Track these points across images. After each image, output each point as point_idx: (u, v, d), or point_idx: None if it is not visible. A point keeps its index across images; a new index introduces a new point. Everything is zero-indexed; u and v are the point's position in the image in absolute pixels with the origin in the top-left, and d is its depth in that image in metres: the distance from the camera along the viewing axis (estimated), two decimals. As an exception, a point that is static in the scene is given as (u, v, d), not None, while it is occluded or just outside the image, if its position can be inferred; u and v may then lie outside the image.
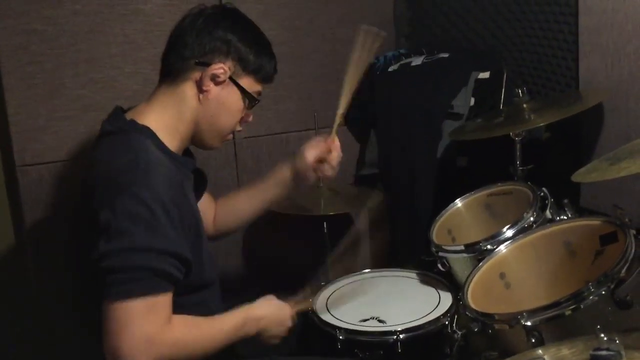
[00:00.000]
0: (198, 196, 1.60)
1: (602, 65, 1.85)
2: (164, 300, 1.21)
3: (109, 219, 1.18)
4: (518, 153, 1.88)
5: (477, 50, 2.30)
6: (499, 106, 2.11)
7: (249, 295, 1.48)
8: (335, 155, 1.64)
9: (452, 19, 2.39)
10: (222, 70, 1.36)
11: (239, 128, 1.48)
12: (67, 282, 1.84)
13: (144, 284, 1.17)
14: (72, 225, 1.41)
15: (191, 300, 1.35)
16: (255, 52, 1.41)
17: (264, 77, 1.45)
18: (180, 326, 1.25)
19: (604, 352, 0.83)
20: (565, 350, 0.98)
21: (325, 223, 2.10)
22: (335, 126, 1.65)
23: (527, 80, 2.15)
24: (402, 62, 2.36)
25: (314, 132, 2.15)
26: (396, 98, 2.28)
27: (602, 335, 0.85)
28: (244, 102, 1.42)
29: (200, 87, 1.36)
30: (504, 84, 2.14)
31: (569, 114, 1.73)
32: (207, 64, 1.35)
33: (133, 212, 1.17)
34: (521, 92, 1.88)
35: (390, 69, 2.36)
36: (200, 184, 1.62)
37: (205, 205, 1.67)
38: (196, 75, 1.36)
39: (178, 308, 1.26)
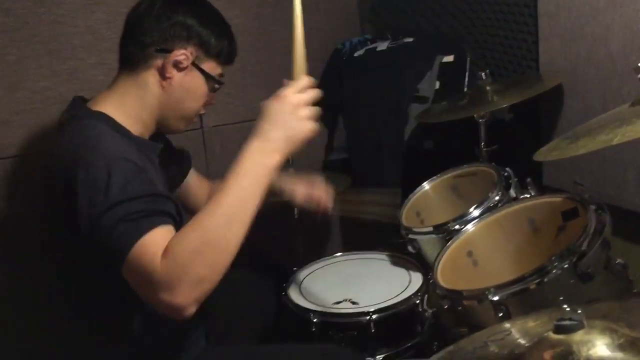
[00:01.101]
0: (181, 177, 1.60)
1: (561, 48, 1.90)
2: (161, 232, 1.10)
3: (72, 198, 1.13)
4: (482, 135, 1.92)
5: (441, 34, 2.33)
6: (463, 89, 2.14)
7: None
8: (326, 203, 1.71)
9: (414, 4, 2.41)
10: (184, 57, 1.33)
11: (202, 111, 1.46)
12: (36, 277, 1.83)
13: (126, 236, 1.08)
14: (38, 219, 1.38)
15: None
16: (216, 35, 1.38)
17: (226, 60, 1.43)
18: (182, 235, 1.09)
19: (567, 322, 0.87)
20: (531, 323, 1.01)
21: (296, 209, 2.11)
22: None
23: (490, 63, 2.19)
24: (367, 48, 2.38)
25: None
26: (363, 83, 2.31)
27: (565, 306, 0.89)
28: (208, 85, 1.41)
29: (162, 75, 1.34)
30: (467, 67, 2.18)
31: (530, 95, 1.77)
32: (169, 51, 1.33)
33: (92, 183, 1.12)
34: (484, 74, 1.92)
35: (355, 54, 2.38)
36: (183, 165, 1.62)
37: (195, 185, 1.69)
38: (157, 62, 1.33)
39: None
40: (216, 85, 1.42)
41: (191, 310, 1.06)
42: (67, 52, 1.97)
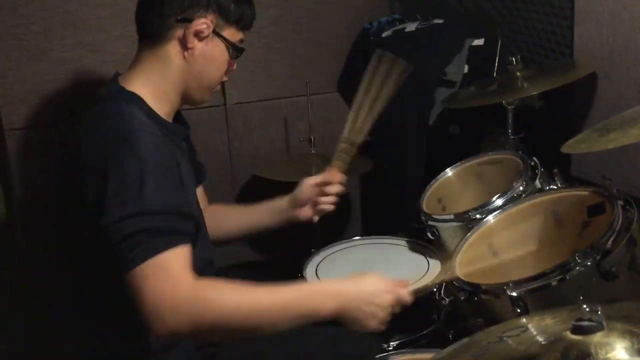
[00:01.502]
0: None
1: (597, 34, 1.83)
2: (177, 255, 1.13)
3: (100, 192, 1.15)
4: (510, 121, 1.87)
5: (472, 16, 2.26)
6: (492, 74, 2.09)
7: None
8: (334, 188, 1.64)
9: (447, -17, 2.35)
10: (205, 26, 1.32)
11: (225, 78, 1.45)
12: (57, 245, 1.85)
13: (142, 248, 1.11)
14: (60, 189, 1.39)
15: None
16: (234, 0, 1.37)
17: (245, 25, 1.42)
18: (214, 286, 1.15)
19: (585, 323, 0.84)
20: (548, 320, 0.99)
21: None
22: (336, 155, 1.62)
23: (522, 47, 2.13)
24: (395, 28, 2.33)
25: (305, 99, 2.13)
26: (389, 64, 2.26)
27: (585, 306, 0.86)
28: (229, 52, 1.39)
29: (184, 45, 1.32)
30: (498, 51, 2.12)
31: (562, 83, 1.72)
32: (189, 20, 1.31)
33: (122, 184, 1.15)
34: (515, 60, 1.86)
35: (383, 35, 2.33)
36: (200, 176, 1.61)
37: (200, 198, 1.66)
38: (178, 33, 1.32)
39: None
40: (238, 52, 1.41)
41: (167, 336, 1.10)
42: (91, 23, 1.96)
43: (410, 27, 2.29)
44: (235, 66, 1.46)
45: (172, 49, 1.33)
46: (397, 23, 2.38)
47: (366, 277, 1.25)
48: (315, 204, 1.66)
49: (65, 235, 1.47)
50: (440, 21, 2.27)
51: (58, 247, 1.68)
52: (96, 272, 1.29)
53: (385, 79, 1.57)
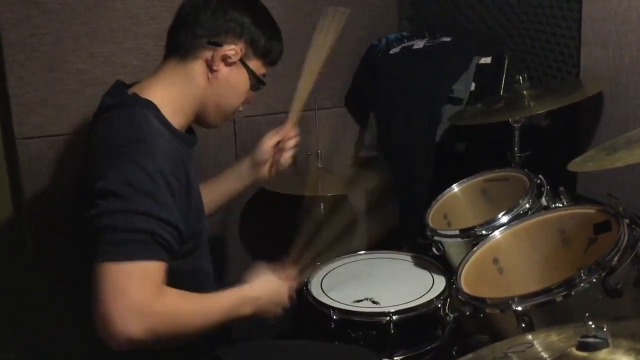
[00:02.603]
0: None
1: (604, 54, 1.84)
2: (160, 267, 1.16)
3: (109, 185, 1.16)
4: (516, 139, 1.88)
5: (480, 35, 2.28)
6: (499, 92, 2.10)
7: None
8: (291, 142, 1.67)
9: (455, 2, 2.37)
10: (233, 52, 1.36)
11: (240, 109, 1.48)
12: (66, 255, 1.86)
13: (143, 248, 1.14)
14: (70, 199, 1.40)
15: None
16: (267, 36, 1.41)
17: (271, 61, 1.46)
18: (173, 296, 1.20)
19: (591, 340, 0.84)
20: (554, 336, 0.99)
21: (322, 204, 2.11)
22: (291, 113, 1.67)
23: (529, 66, 2.14)
24: (403, 45, 2.35)
25: (313, 113, 2.15)
26: (397, 81, 2.28)
27: (591, 322, 0.87)
28: (250, 83, 1.43)
29: (210, 67, 1.36)
30: (505, 69, 2.13)
31: (569, 102, 1.72)
32: (220, 44, 1.35)
33: (135, 181, 1.16)
34: (522, 78, 1.88)
35: (391, 52, 2.36)
36: None
37: None
38: (207, 54, 1.35)
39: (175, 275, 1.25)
40: (259, 85, 1.45)
41: (119, 341, 1.11)
42: (104, 35, 1.99)
43: (418, 44, 2.31)
44: (253, 100, 1.49)
45: (198, 68, 1.36)
46: (405, 40, 2.40)
47: (266, 278, 1.41)
48: (274, 162, 1.69)
49: (74, 243, 1.48)
50: (448, 39, 2.29)
51: (66, 255, 1.68)
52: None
53: (333, 33, 1.64)
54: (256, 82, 1.43)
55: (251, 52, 1.40)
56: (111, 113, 1.31)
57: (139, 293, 1.12)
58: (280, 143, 1.67)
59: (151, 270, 1.15)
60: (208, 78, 1.37)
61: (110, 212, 1.14)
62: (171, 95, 1.35)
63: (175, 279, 1.21)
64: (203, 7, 1.36)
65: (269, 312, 1.40)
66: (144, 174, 1.17)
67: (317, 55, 1.64)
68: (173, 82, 1.36)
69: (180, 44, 1.36)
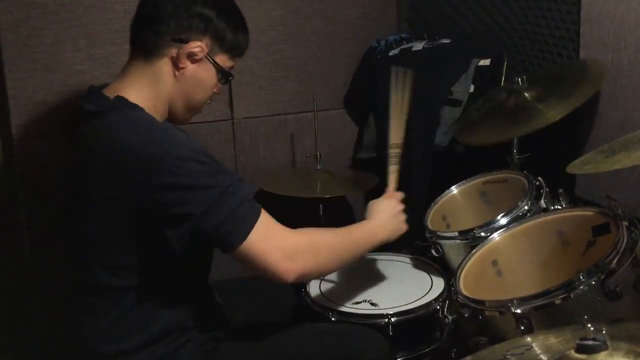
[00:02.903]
0: None
1: (603, 56, 1.85)
2: (265, 214, 1.27)
3: (170, 193, 1.19)
4: (515, 141, 1.88)
5: (479, 37, 2.29)
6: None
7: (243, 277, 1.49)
8: None
9: (454, 4, 2.37)
10: (199, 49, 1.33)
11: (209, 102, 1.46)
12: (63, 255, 1.86)
13: (249, 216, 1.23)
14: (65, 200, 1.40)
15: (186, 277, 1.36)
16: (232, 29, 1.38)
17: (238, 54, 1.43)
18: (304, 230, 1.34)
19: (590, 342, 0.84)
20: (553, 339, 0.99)
21: (321, 205, 2.11)
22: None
23: (528, 68, 2.15)
24: (402, 47, 2.35)
25: (312, 115, 2.15)
26: (396, 83, 2.28)
27: (589, 325, 0.87)
28: (218, 77, 1.41)
29: (176, 64, 1.33)
30: (504, 71, 2.14)
31: (577, 104, 1.72)
32: (185, 42, 1.32)
33: (184, 171, 1.19)
34: (521, 80, 1.88)
35: (390, 54, 2.35)
36: None
37: None
38: (172, 51, 1.32)
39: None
40: (227, 78, 1.43)
41: (298, 278, 1.28)
42: (103, 36, 1.99)
43: (418, 46, 2.31)
44: (219, 91, 1.47)
45: (164, 66, 1.33)
46: (405, 42, 2.41)
47: (382, 207, 1.56)
48: None
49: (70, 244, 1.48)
50: (447, 41, 2.29)
51: (65, 256, 1.68)
52: (99, 279, 1.29)
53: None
54: (223, 76, 1.41)
55: (217, 47, 1.37)
56: (102, 120, 1.27)
57: (278, 241, 1.27)
58: None
59: (266, 220, 1.27)
60: (175, 75, 1.34)
61: (204, 212, 1.19)
62: (144, 95, 1.33)
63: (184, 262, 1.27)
64: (165, 3, 1.32)
65: (397, 232, 1.55)
66: (191, 161, 1.20)
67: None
68: (142, 82, 1.34)
69: (144, 42, 1.34)
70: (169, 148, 1.20)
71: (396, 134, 1.72)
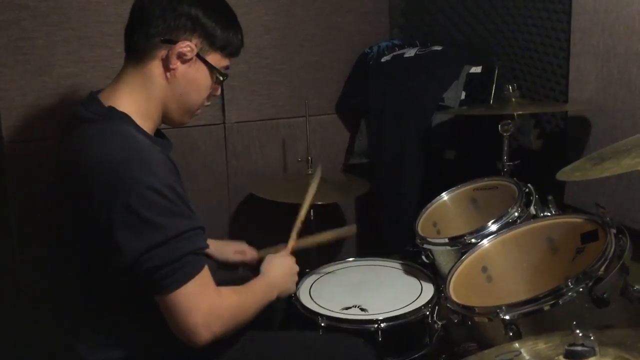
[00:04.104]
0: None
1: (592, 65, 1.86)
2: (207, 270, 1.25)
3: (128, 217, 1.16)
4: (506, 148, 1.90)
5: (470, 44, 2.30)
6: (489, 101, 2.12)
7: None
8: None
9: (446, 12, 2.39)
10: (188, 49, 1.31)
11: (207, 103, 1.45)
12: (55, 259, 1.84)
13: (190, 267, 1.20)
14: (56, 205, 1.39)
15: None
16: (221, 27, 1.35)
17: (231, 52, 1.41)
18: (229, 292, 1.32)
19: (578, 348, 0.85)
20: (541, 345, 0.99)
21: (312, 211, 2.11)
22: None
23: (518, 76, 2.16)
24: (395, 54, 2.37)
25: (304, 120, 2.15)
26: (388, 89, 2.29)
27: (578, 331, 0.87)
28: (212, 78, 1.39)
29: (166, 66, 1.31)
30: (495, 79, 2.15)
31: (557, 112, 1.74)
32: (173, 42, 1.30)
33: (150, 203, 1.16)
34: (512, 87, 1.89)
35: (382, 60, 2.37)
36: None
37: None
38: (162, 53, 1.31)
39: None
40: (221, 78, 1.41)
41: (209, 342, 1.24)
42: (95, 39, 1.99)
43: (410, 52, 2.33)
44: (218, 92, 1.46)
45: (155, 68, 1.32)
46: (397, 48, 2.42)
47: (277, 262, 1.56)
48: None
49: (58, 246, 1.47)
50: (439, 48, 2.30)
51: (55, 259, 1.67)
52: (86, 283, 1.29)
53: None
54: (217, 75, 1.39)
55: (207, 46, 1.35)
56: (91, 127, 1.27)
57: (208, 301, 1.23)
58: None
59: (206, 277, 1.24)
60: (166, 77, 1.33)
61: (146, 253, 1.16)
62: (136, 100, 1.32)
63: None
64: (151, 5, 1.31)
65: (289, 292, 1.55)
66: (154, 193, 1.16)
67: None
68: (134, 87, 1.33)
69: (135, 46, 1.33)
70: (142, 173, 1.17)
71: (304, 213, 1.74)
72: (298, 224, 1.69)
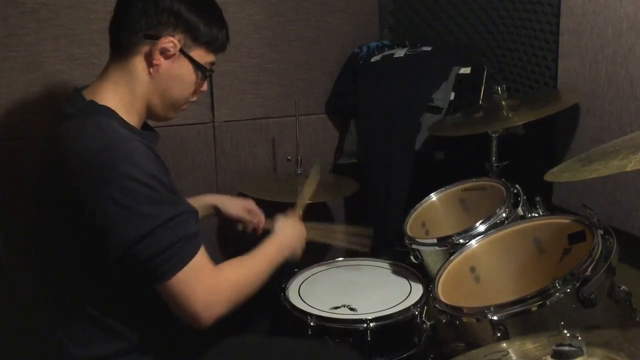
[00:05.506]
0: None
1: (581, 67, 1.88)
2: (204, 251, 1.25)
3: (111, 208, 1.15)
4: (494, 149, 1.90)
5: (460, 45, 2.31)
6: (478, 102, 2.13)
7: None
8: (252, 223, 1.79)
9: (436, 12, 2.40)
10: (171, 44, 1.30)
11: (193, 99, 1.43)
12: (38, 257, 1.83)
13: (184, 253, 1.21)
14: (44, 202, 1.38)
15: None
16: (205, 22, 1.34)
17: (216, 48, 1.40)
18: (229, 268, 1.32)
19: (566, 348, 0.86)
20: (529, 345, 1.00)
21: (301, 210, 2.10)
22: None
23: (507, 77, 2.17)
24: (384, 54, 2.37)
25: (294, 119, 2.15)
26: (377, 89, 2.29)
27: (565, 331, 0.88)
28: (197, 73, 1.38)
29: (150, 62, 1.31)
30: (484, 80, 2.16)
31: (546, 114, 1.75)
32: (156, 38, 1.30)
33: (133, 193, 1.15)
34: (500, 89, 1.90)
35: (372, 60, 2.37)
36: None
37: None
38: (145, 49, 1.30)
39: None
40: (205, 74, 1.40)
41: (212, 323, 1.25)
42: (84, 36, 1.97)
43: (399, 53, 2.33)
44: (204, 88, 1.45)
45: (138, 64, 1.32)
46: (387, 49, 2.42)
47: (289, 222, 1.60)
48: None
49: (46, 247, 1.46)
50: (428, 48, 2.31)
51: (43, 257, 1.66)
52: (74, 279, 1.28)
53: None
54: (201, 72, 1.38)
55: (191, 42, 1.34)
56: (72, 122, 1.26)
57: (206, 283, 1.23)
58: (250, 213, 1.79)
59: (202, 259, 1.24)
60: (150, 73, 1.32)
61: (137, 243, 1.16)
62: (119, 95, 1.32)
63: None
64: (134, 0, 1.31)
65: (297, 254, 1.56)
66: (136, 182, 1.16)
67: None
68: (117, 82, 1.32)
69: (119, 42, 1.32)
70: (122, 163, 1.17)
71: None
72: (304, 202, 1.75)
